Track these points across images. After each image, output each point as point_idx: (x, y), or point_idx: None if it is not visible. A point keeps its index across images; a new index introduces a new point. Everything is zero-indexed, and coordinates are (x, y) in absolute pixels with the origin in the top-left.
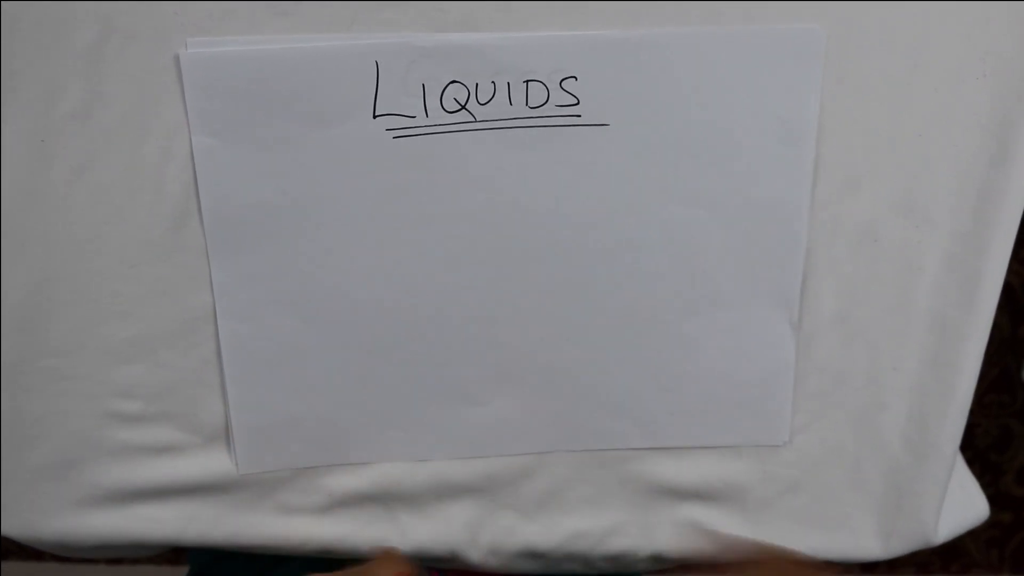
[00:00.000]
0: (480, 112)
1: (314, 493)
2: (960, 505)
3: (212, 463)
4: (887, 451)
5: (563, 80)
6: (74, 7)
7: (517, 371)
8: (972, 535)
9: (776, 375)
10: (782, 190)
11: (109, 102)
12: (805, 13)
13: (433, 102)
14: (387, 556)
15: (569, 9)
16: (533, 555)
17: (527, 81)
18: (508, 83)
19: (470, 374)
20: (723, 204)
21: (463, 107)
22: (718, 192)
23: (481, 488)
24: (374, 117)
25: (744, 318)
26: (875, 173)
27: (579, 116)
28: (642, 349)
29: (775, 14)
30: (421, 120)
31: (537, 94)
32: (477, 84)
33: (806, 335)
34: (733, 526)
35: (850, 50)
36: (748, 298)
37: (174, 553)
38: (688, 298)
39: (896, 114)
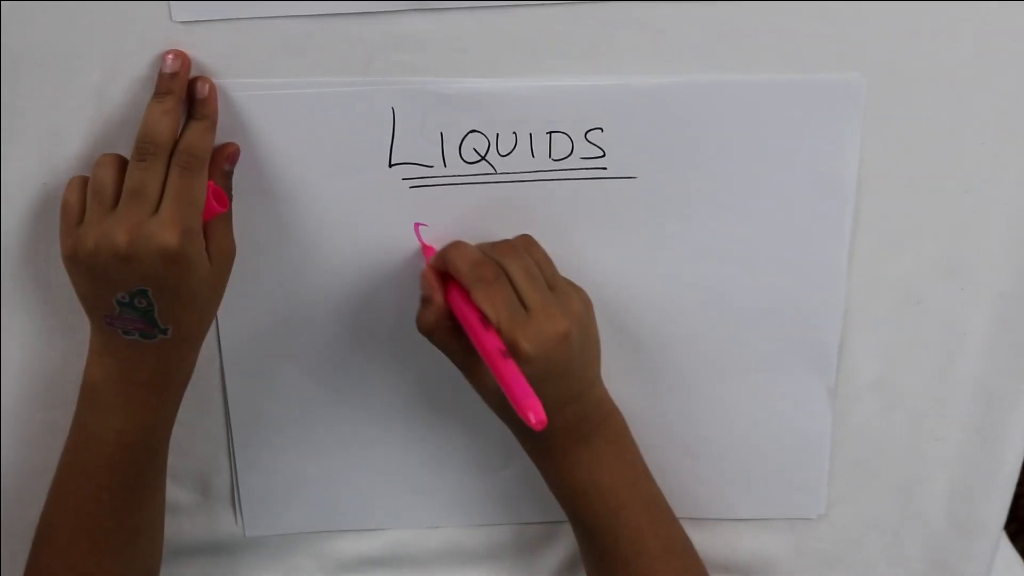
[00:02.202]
0: (501, 164)
1: (322, 558)
2: None
3: (218, 524)
4: (929, 526)
5: (588, 131)
6: (78, 47)
7: None
8: None
9: (811, 443)
10: (819, 247)
11: (114, 144)
12: (846, 61)
13: (452, 151)
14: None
15: (595, 56)
16: None
17: (551, 132)
18: (530, 134)
19: (486, 437)
20: (757, 261)
21: (483, 158)
22: (751, 249)
23: (495, 556)
24: (390, 166)
25: (778, 382)
26: (918, 230)
27: (605, 168)
28: (668, 413)
29: (813, 61)
30: (439, 170)
31: (561, 146)
32: (498, 134)
33: (843, 401)
34: None
35: (892, 100)
36: (782, 361)
37: None
38: (719, 360)
39: (941, 168)
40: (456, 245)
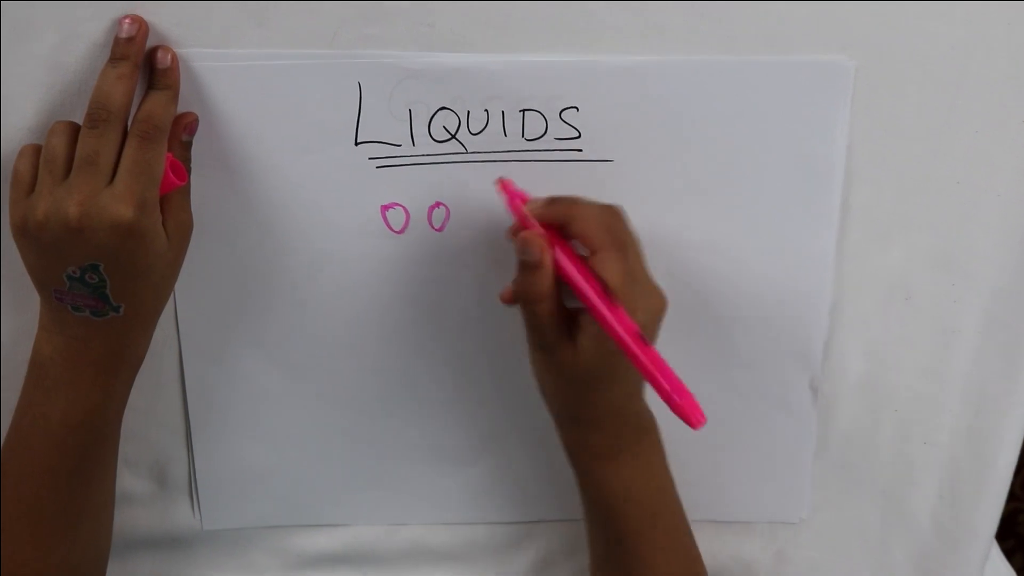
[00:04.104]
0: (472, 143)
1: (283, 554)
2: None
3: (174, 516)
4: (916, 533)
5: (563, 110)
6: (32, 12)
7: (507, 430)
8: None
9: (794, 443)
10: (805, 239)
11: (70, 113)
12: (834, 42)
13: (420, 129)
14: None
15: (571, 31)
16: None
17: (523, 110)
18: (503, 112)
19: (456, 431)
20: (739, 252)
21: (453, 136)
22: (733, 239)
23: (463, 557)
24: (356, 144)
25: (760, 379)
26: (908, 223)
27: (580, 151)
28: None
29: (800, 42)
30: (407, 149)
31: (534, 125)
32: (469, 111)
33: (828, 400)
34: None
35: (882, 85)
36: (765, 357)
37: None
38: (698, 355)
39: (932, 158)
40: (578, 201)
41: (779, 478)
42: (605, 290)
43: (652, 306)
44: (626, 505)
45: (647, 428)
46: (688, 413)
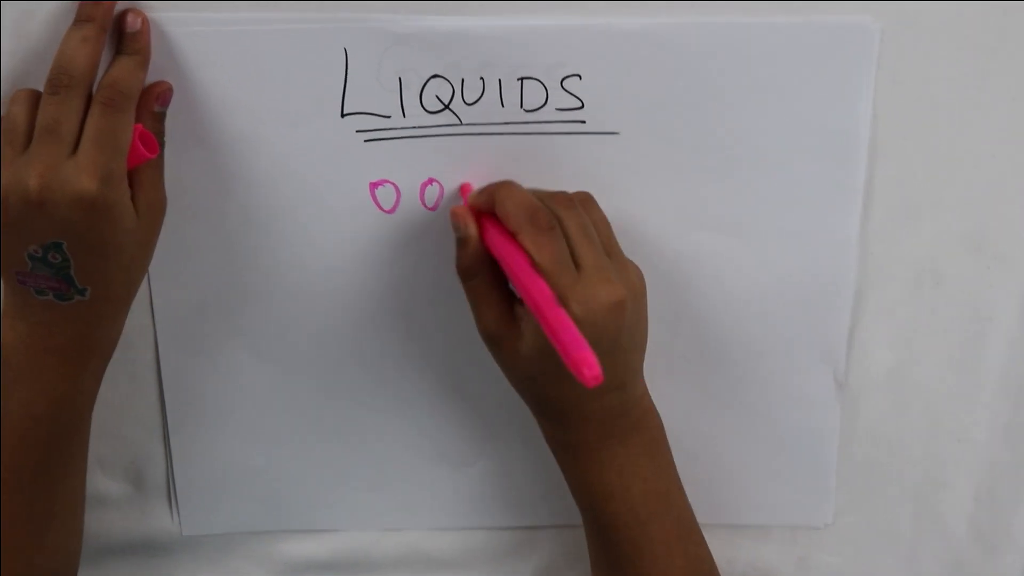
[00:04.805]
0: (467, 114)
1: (268, 561)
2: None
3: (152, 520)
4: (949, 539)
5: (564, 79)
6: None
7: (509, 428)
8: None
9: (817, 442)
10: (827, 217)
11: (35, 83)
12: (857, 3)
13: (411, 100)
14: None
15: None
16: None
17: (522, 79)
18: (499, 80)
19: (453, 428)
20: (755, 232)
21: (447, 107)
22: (750, 217)
23: (461, 564)
24: (342, 116)
25: (780, 372)
26: (939, 201)
27: (583, 122)
28: (656, 404)
29: (820, 3)
30: (397, 121)
31: (534, 94)
32: (463, 80)
33: (853, 395)
34: None
35: (910, 49)
36: (785, 348)
37: None
38: (712, 346)
39: (965, 130)
40: (507, 185)
41: (801, 479)
42: (531, 264)
43: (592, 298)
44: (608, 505)
45: (635, 427)
46: (579, 370)
